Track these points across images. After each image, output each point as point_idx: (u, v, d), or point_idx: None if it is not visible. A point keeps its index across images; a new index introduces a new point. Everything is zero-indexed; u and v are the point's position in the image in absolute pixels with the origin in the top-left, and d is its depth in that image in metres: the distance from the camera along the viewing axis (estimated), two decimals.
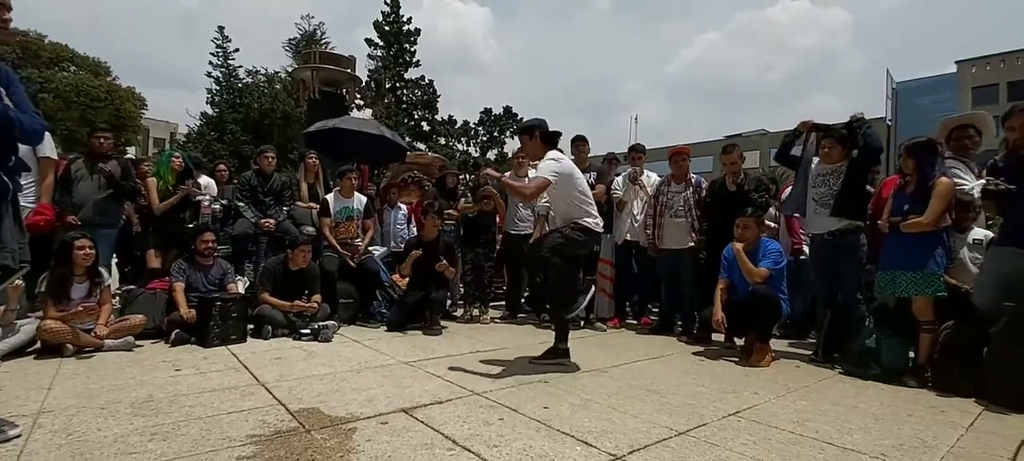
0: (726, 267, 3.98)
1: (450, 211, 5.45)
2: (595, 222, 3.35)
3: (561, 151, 3.46)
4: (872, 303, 3.49)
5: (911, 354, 3.27)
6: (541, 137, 3.45)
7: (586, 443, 2.03)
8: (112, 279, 4.37)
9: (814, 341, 4.14)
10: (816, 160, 3.84)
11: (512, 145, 30.14)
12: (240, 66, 27.16)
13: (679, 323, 4.76)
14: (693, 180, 4.79)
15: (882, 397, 2.89)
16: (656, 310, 5.32)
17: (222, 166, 6.52)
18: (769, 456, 1.98)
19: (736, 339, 4.03)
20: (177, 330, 3.67)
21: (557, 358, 3.32)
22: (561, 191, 3.29)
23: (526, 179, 3.79)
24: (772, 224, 4.88)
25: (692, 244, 4.60)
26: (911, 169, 3.24)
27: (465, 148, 30.35)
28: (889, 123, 34.14)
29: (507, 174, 4.07)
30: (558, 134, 3.50)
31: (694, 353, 3.95)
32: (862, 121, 3.64)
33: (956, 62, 36.35)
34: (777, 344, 4.14)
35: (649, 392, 2.81)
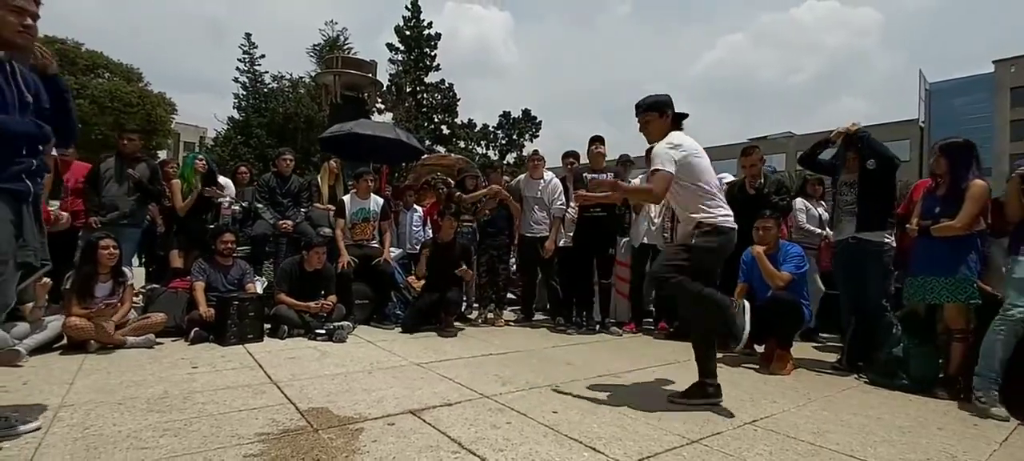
0: (745, 271, 3.88)
1: (465, 216, 5.44)
2: (726, 216, 2.67)
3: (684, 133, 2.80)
4: (901, 310, 3.35)
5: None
6: (673, 117, 2.79)
7: (594, 449, 1.99)
8: (136, 276, 4.50)
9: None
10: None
11: (531, 148, 30.14)
12: (266, 72, 27.78)
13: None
14: None
15: (909, 409, 2.76)
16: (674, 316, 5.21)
17: (243, 168, 6.65)
18: None
19: (756, 346, 3.92)
20: (196, 328, 3.75)
21: (704, 397, 2.65)
22: (684, 182, 2.64)
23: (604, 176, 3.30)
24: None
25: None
26: (944, 170, 3.11)
27: (484, 151, 30.42)
28: (922, 125, 33.01)
29: (588, 180, 3.59)
30: (685, 115, 2.85)
31: None
32: (860, 134, 3.51)
33: (993, 61, 34.94)
34: (800, 351, 4.01)
35: (663, 398, 2.74)
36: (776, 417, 2.51)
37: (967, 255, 2.96)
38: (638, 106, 2.84)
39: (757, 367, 3.61)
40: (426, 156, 8.85)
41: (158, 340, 3.63)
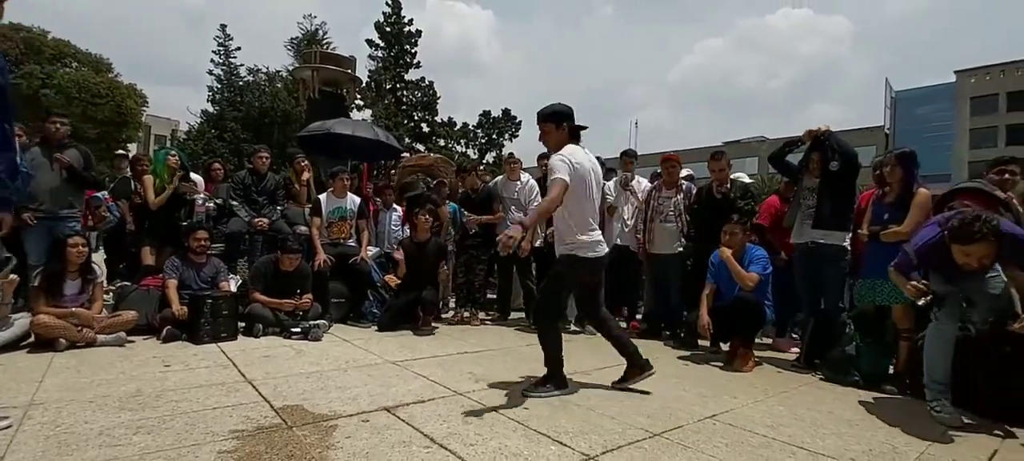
0: (713, 272, 4.03)
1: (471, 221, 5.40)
2: (587, 243, 2.81)
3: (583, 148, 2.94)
4: (853, 311, 3.54)
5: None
6: (569, 129, 2.91)
7: (561, 443, 2.08)
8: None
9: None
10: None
11: (511, 149, 30.24)
12: (242, 64, 27.30)
13: (665, 327, 4.81)
14: (683, 186, 4.85)
15: (859, 404, 2.93)
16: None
17: (217, 165, 6.58)
18: (740, 459, 2.03)
19: (721, 344, 4.08)
20: (169, 327, 3.72)
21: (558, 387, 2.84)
22: (576, 190, 2.76)
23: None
24: None
25: (680, 249, 4.65)
26: (898, 178, 3.30)
27: (463, 150, 30.39)
28: (888, 132, 34.25)
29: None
30: (584, 128, 2.99)
31: (679, 357, 4.00)
32: (827, 134, 3.69)
33: (955, 72, 36.43)
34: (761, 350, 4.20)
35: (629, 394, 2.86)
36: (735, 411, 2.65)
37: None
38: (538, 115, 2.95)
39: (722, 364, 3.76)
40: (407, 156, 8.85)
41: (129, 338, 3.60)
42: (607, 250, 2.99)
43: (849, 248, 3.75)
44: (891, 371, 3.34)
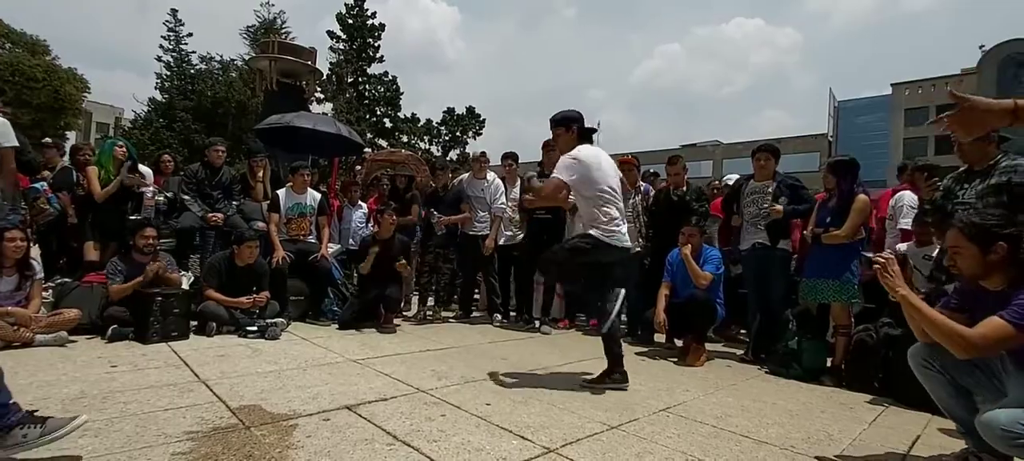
0: (669, 271, 4.19)
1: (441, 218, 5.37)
2: (605, 230, 2.97)
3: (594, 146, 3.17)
4: (796, 308, 3.77)
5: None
6: (579, 132, 3.15)
7: (523, 437, 2.14)
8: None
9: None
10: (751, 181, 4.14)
11: (474, 145, 30.19)
12: (193, 52, 26.10)
13: (624, 325, 4.95)
14: (641, 187, 5.01)
15: (800, 395, 3.14)
16: None
17: (167, 157, 6.28)
18: (690, 448, 2.14)
19: (676, 340, 4.25)
20: (114, 326, 3.55)
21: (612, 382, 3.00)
22: (581, 189, 2.99)
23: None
24: None
25: (639, 249, 4.79)
26: (832, 185, 3.53)
27: (427, 146, 30.10)
28: (831, 139, 36.21)
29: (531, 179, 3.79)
30: (594, 131, 3.26)
31: (637, 353, 4.13)
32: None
33: (891, 84, 38.71)
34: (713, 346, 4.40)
35: (588, 389, 2.95)
36: (687, 404, 2.78)
37: (851, 261, 3.40)
38: (551, 120, 3.22)
39: (676, 359, 3.92)
40: (373, 152, 8.73)
41: (71, 338, 3.41)
42: (627, 242, 3.08)
43: (792, 251, 4.00)
44: (829, 364, 3.58)
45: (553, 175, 2.95)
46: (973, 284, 1.98)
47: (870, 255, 2.61)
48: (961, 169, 2.82)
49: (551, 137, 3.28)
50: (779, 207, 3.76)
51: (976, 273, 1.93)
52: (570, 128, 3.14)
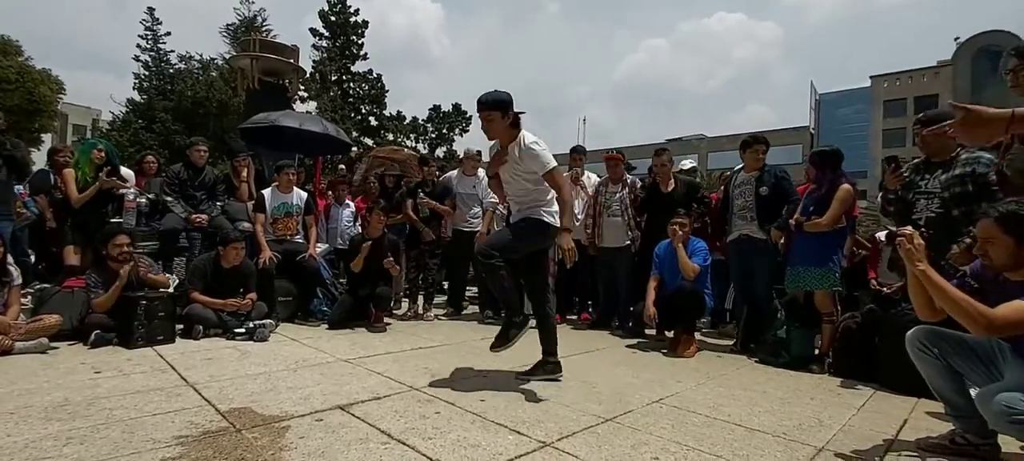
0: (657, 264, 4.21)
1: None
2: (554, 214, 2.95)
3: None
4: (783, 297, 3.82)
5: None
6: (514, 117, 2.87)
7: (518, 432, 2.13)
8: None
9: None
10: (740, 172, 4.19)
11: (461, 143, 30.05)
12: (172, 51, 25.55)
13: (615, 318, 4.98)
14: (628, 180, 5.03)
15: (789, 383, 3.18)
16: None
17: (150, 158, 6.15)
18: (684, 438, 2.15)
19: (666, 332, 4.28)
20: (97, 331, 3.47)
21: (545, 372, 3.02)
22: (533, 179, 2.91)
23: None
24: None
25: (628, 242, 4.81)
26: (813, 176, 3.58)
27: (413, 145, 29.90)
28: (813, 131, 36.78)
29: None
30: (522, 112, 2.96)
31: (627, 346, 4.16)
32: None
33: (871, 77, 39.42)
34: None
35: (582, 383, 2.95)
36: (679, 395, 2.80)
37: (834, 249, 3.45)
38: (481, 103, 2.85)
39: (667, 351, 3.95)
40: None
41: (52, 344, 3.32)
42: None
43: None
44: (816, 352, 3.64)
45: (552, 173, 2.81)
46: (996, 273, 1.99)
47: (894, 229, 2.65)
48: (916, 160, 2.94)
49: (481, 122, 2.90)
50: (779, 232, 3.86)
51: (1007, 264, 1.92)
52: (507, 112, 2.83)
